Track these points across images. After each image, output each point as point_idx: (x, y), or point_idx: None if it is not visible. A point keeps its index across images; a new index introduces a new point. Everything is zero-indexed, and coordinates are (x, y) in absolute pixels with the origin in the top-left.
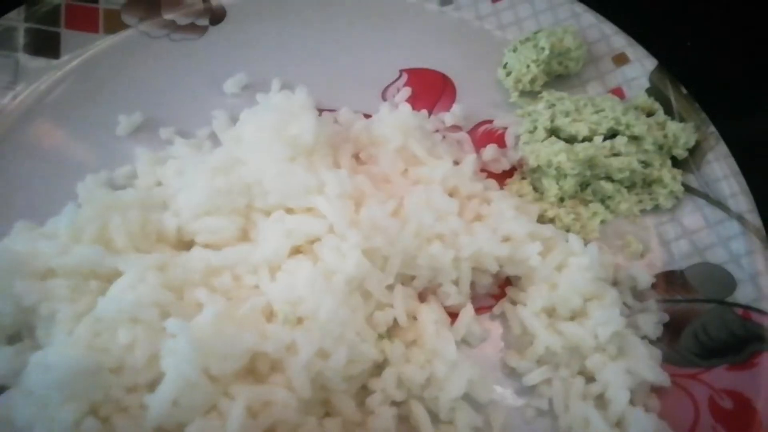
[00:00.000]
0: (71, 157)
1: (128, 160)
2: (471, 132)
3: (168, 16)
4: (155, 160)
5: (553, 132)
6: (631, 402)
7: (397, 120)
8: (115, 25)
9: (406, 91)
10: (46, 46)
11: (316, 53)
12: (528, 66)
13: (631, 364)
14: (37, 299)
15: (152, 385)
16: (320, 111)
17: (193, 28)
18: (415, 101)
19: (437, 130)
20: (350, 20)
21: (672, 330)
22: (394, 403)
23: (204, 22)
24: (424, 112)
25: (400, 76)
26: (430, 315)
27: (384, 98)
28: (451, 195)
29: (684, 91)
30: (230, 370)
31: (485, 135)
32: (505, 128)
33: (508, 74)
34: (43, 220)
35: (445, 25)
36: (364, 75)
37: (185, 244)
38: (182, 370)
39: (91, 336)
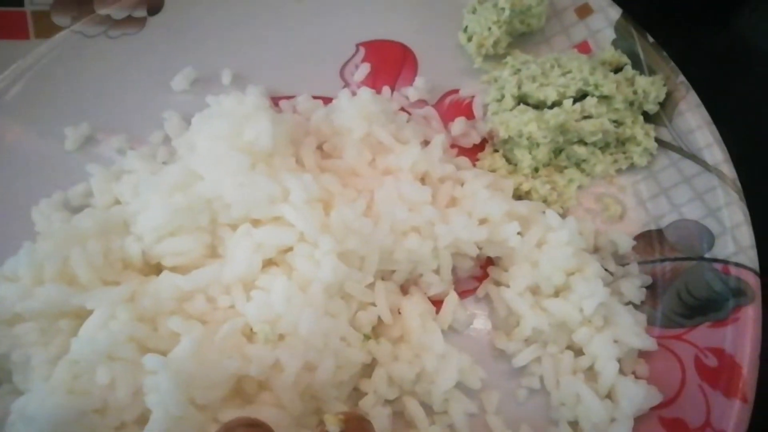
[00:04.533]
0: (19, 182)
1: (81, 176)
2: (437, 105)
3: (102, 11)
4: (110, 176)
5: (522, 99)
6: (621, 371)
7: (357, 107)
8: (46, 27)
9: (365, 68)
10: None
11: (266, 35)
12: (489, 28)
13: (617, 333)
14: (8, 346)
15: (140, 420)
16: (277, 100)
17: (130, 21)
18: (375, 77)
19: (402, 108)
20: None
21: (655, 291)
22: (387, 401)
23: (141, 13)
24: (386, 91)
25: (357, 51)
26: (414, 308)
27: (342, 77)
28: (422, 180)
29: (651, 39)
30: (217, 397)
31: (452, 106)
32: (473, 97)
33: (470, 39)
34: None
35: None
36: (319, 54)
37: (153, 268)
38: (168, 406)
39: (69, 379)
